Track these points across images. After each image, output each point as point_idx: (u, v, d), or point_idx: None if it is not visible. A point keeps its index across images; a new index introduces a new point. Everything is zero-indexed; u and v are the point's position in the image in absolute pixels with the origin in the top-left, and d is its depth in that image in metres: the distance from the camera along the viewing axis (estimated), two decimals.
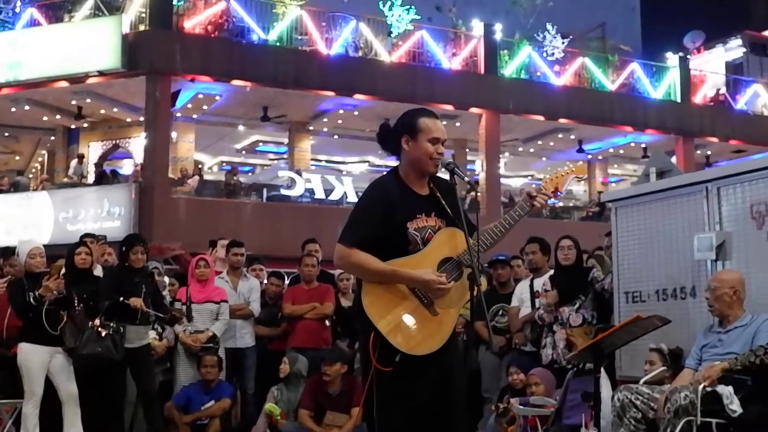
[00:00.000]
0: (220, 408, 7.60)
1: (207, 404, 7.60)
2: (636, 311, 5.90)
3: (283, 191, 20.44)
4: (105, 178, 19.95)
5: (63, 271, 7.23)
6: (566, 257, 7.07)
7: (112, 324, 7.03)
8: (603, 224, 15.20)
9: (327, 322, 8.38)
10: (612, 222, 6.86)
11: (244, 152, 26.52)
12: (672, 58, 25.15)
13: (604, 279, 6.94)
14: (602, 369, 5.45)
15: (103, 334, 6.97)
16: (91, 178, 20.68)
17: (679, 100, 24.57)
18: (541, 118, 22.78)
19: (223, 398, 7.65)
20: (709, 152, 26.37)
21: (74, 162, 21.15)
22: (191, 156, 22.50)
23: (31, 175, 25.96)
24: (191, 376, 7.86)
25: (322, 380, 7.26)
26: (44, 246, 7.55)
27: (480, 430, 7.38)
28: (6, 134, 23.43)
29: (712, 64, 28.93)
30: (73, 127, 22.35)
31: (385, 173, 4.02)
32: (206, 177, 23.47)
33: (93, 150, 22.22)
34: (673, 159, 20.81)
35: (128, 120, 21.47)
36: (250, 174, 26.99)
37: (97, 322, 7.00)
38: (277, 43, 19.84)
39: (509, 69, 22.40)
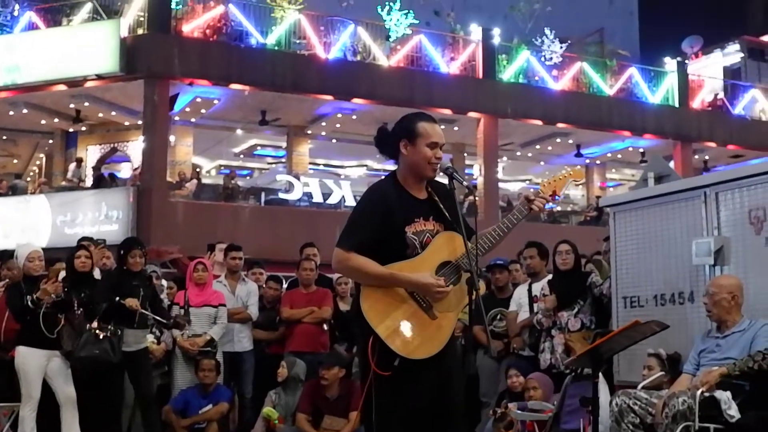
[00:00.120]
0: (218, 412, 7.59)
1: (205, 408, 7.58)
2: (634, 316, 5.88)
3: (281, 195, 20.42)
4: (103, 181, 19.94)
5: (62, 274, 7.22)
6: (564, 262, 7.07)
7: (109, 326, 7.03)
8: (601, 229, 15.21)
9: (325, 326, 8.38)
10: (610, 227, 6.86)
11: (242, 156, 26.53)
12: (670, 63, 25.20)
13: (602, 284, 6.94)
14: (600, 374, 5.44)
15: (101, 336, 6.96)
16: (89, 182, 20.66)
17: (677, 104, 24.60)
18: (539, 122, 22.81)
19: (220, 402, 7.64)
20: (707, 157, 26.41)
21: (73, 165, 21.14)
22: (189, 159, 22.49)
23: (29, 179, 25.95)
24: (189, 379, 7.85)
25: (320, 384, 7.24)
26: (42, 249, 7.55)
27: None
28: (4, 137, 23.41)
29: (710, 69, 28.99)
30: (71, 130, 22.32)
31: (383, 177, 4.02)
32: (204, 181, 23.48)
33: (91, 153, 22.21)
34: (671, 164, 20.80)
35: (126, 123, 21.47)
36: (248, 178, 26.97)
37: (94, 324, 7.00)
38: (276, 47, 19.85)
39: (507, 73, 22.43)
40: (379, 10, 21.55)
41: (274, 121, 21.82)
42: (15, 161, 26.22)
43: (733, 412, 4.77)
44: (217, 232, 15.27)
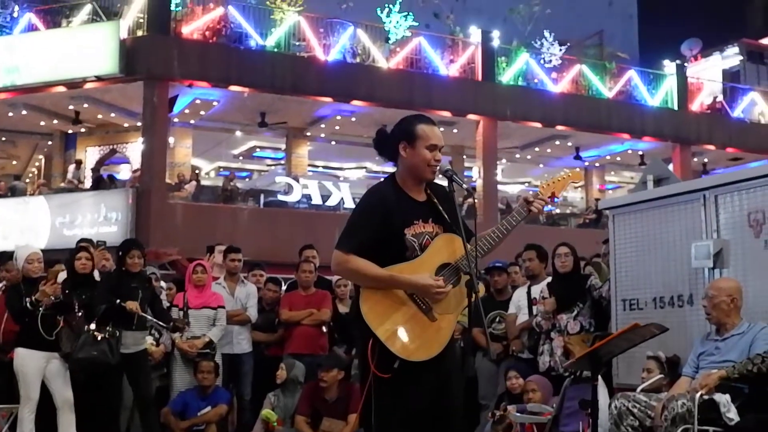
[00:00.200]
0: (217, 414, 7.58)
1: (203, 410, 7.58)
2: (633, 319, 5.89)
3: (281, 197, 20.42)
4: (102, 183, 19.93)
5: (60, 276, 7.22)
6: (563, 265, 7.07)
7: (108, 328, 7.02)
8: (600, 231, 15.23)
9: (324, 329, 8.37)
10: (609, 229, 6.87)
11: (241, 158, 26.52)
12: (669, 66, 25.21)
13: (601, 286, 6.94)
14: (599, 377, 5.44)
15: (99, 338, 6.96)
16: (88, 183, 20.65)
17: (676, 107, 24.61)
18: (538, 125, 22.80)
19: (219, 404, 7.63)
20: (706, 160, 26.42)
21: (72, 167, 21.13)
22: (188, 161, 22.48)
23: (28, 180, 25.92)
24: (188, 381, 7.85)
25: (319, 386, 7.24)
26: (41, 251, 7.55)
27: None
28: (3, 139, 23.41)
29: (709, 71, 29.02)
30: (70, 132, 22.32)
31: (382, 179, 4.01)
32: (203, 182, 23.48)
33: (90, 155, 22.20)
34: (670, 166, 20.81)
35: (126, 125, 21.46)
36: (247, 180, 26.96)
37: (92, 326, 6.99)
38: (275, 49, 19.85)
39: (507, 76, 22.43)
40: (379, 12, 21.55)
41: (273, 123, 21.80)
42: (14, 162, 26.22)
43: (732, 415, 4.77)
44: (216, 233, 15.27)
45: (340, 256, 3.76)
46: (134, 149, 20.90)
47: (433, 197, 3.91)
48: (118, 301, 7.15)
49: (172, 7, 18.97)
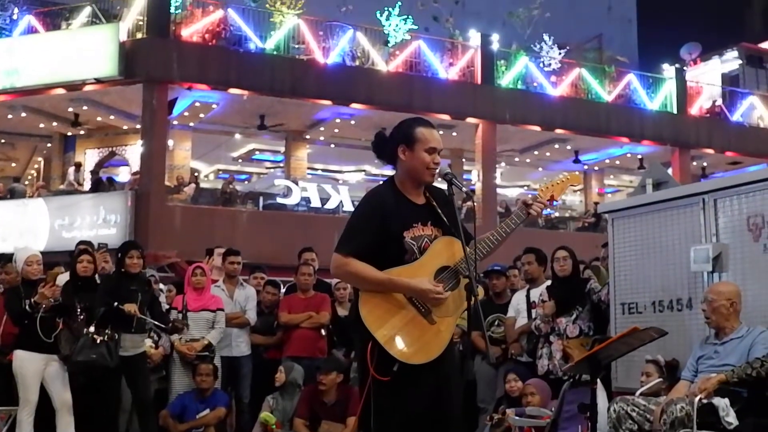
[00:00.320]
0: (215, 417, 7.57)
1: (202, 413, 7.57)
2: (632, 323, 5.88)
3: (280, 200, 20.42)
4: (101, 185, 19.93)
5: (60, 278, 7.22)
6: (562, 268, 7.06)
7: (107, 331, 7.02)
8: (599, 235, 15.24)
9: (323, 331, 8.37)
10: (608, 233, 6.87)
11: (240, 160, 26.54)
12: (668, 70, 25.24)
13: (600, 290, 6.94)
14: (598, 380, 5.44)
15: (98, 341, 6.95)
16: (87, 186, 20.65)
17: (675, 111, 24.64)
18: (537, 128, 22.82)
19: (218, 407, 7.62)
20: (705, 164, 26.46)
21: (71, 169, 21.13)
22: (188, 164, 22.49)
23: (27, 182, 25.93)
24: (186, 384, 7.84)
25: (317, 389, 7.23)
26: (40, 253, 7.53)
27: None
28: (2, 141, 23.43)
29: (708, 75, 29.02)
30: (69, 134, 22.34)
31: (381, 183, 4.01)
32: (202, 185, 23.46)
33: (89, 157, 22.22)
34: (669, 170, 20.83)
35: (125, 127, 21.48)
36: (246, 182, 26.99)
37: (91, 328, 6.98)
38: (275, 52, 19.87)
39: (506, 79, 22.46)
40: (378, 15, 21.59)
41: (272, 126, 21.82)
42: (13, 165, 26.23)
43: (731, 419, 4.77)
44: (215, 236, 15.28)
45: (339, 259, 3.76)
46: (133, 152, 20.91)
47: (432, 200, 3.91)
48: (116, 304, 7.14)
49: (172, 10, 19.00)
